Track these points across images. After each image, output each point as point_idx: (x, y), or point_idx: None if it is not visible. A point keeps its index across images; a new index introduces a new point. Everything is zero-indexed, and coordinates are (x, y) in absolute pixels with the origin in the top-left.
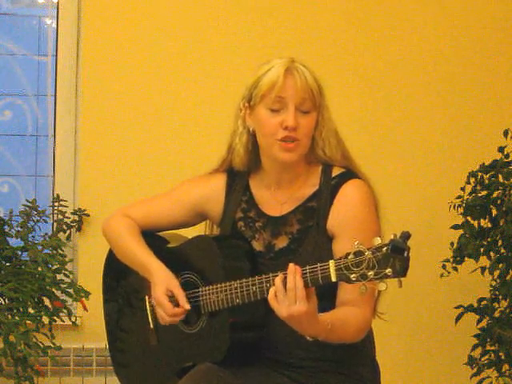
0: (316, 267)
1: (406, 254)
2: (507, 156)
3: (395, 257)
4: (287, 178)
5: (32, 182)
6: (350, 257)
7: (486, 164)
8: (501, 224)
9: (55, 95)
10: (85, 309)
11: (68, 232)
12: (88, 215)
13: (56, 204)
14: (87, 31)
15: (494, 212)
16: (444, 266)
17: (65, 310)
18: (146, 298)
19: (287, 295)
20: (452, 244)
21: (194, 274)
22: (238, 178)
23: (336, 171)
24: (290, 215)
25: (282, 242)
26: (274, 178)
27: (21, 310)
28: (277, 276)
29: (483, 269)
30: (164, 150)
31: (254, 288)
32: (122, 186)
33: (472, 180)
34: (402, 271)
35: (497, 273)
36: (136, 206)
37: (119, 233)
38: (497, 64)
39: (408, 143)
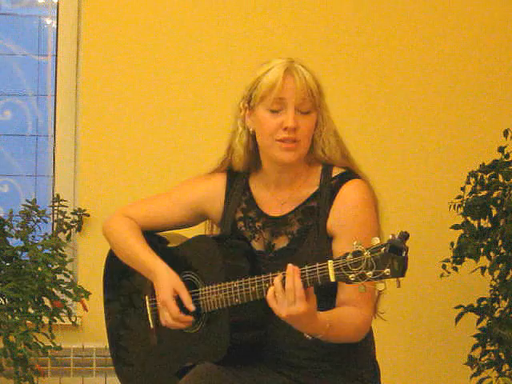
0: (315, 267)
1: (404, 254)
2: (507, 156)
3: (393, 257)
4: (287, 179)
5: (32, 182)
6: (348, 257)
7: (486, 164)
8: (501, 224)
9: (55, 95)
10: (85, 309)
11: (68, 232)
12: (88, 215)
13: (56, 204)
14: (87, 31)
15: (494, 212)
16: (444, 266)
17: (65, 310)
18: (147, 297)
19: (286, 295)
20: (452, 244)
21: (193, 274)
22: (237, 178)
23: (336, 171)
24: (290, 215)
25: (281, 242)
26: (274, 178)
27: (21, 310)
28: (276, 276)
29: (483, 269)
30: (164, 150)
31: (254, 288)
32: (121, 186)
33: (472, 180)
34: (400, 271)
35: (497, 273)
36: (136, 206)
37: (120, 233)
38: (497, 64)
39: (408, 143)
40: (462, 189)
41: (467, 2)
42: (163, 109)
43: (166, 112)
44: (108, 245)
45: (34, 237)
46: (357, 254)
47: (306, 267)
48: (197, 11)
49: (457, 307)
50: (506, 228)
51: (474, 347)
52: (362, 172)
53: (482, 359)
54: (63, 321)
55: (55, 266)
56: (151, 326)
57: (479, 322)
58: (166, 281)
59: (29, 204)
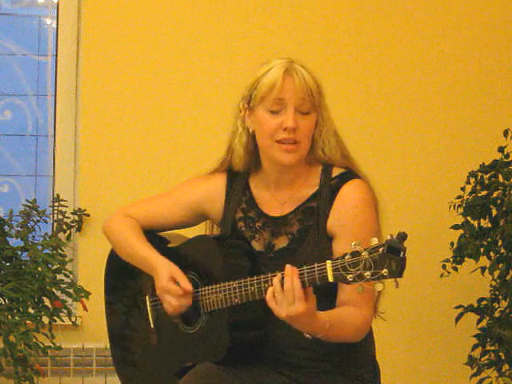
0: (313, 267)
1: (402, 255)
2: (507, 156)
3: (391, 257)
4: (287, 179)
5: (32, 182)
6: (346, 257)
7: (486, 164)
8: (501, 224)
9: (55, 95)
10: (85, 309)
11: (68, 232)
12: (88, 215)
13: (56, 204)
14: (87, 31)
15: (494, 212)
16: (444, 266)
17: (65, 310)
18: (147, 297)
19: (285, 296)
20: (452, 244)
21: (193, 274)
22: (238, 178)
23: (336, 171)
24: (290, 215)
25: (282, 242)
26: (274, 179)
27: (21, 310)
28: (275, 276)
29: (483, 269)
30: (164, 149)
31: (253, 288)
32: (121, 186)
33: (472, 180)
34: (398, 272)
35: (497, 273)
36: (136, 206)
37: (121, 232)
38: (497, 64)
39: (408, 143)
40: (462, 189)
41: (467, 2)
42: (163, 109)
43: (166, 112)
44: (108, 244)
45: (34, 237)
46: (355, 254)
47: (305, 267)
48: (197, 11)
49: (457, 307)
50: (506, 228)
51: (474, 347)
52: (362, 172)
53: (482, 359)
54: (63, 321)
55: (55, 266)
56: (151, 325)
57: (479, 322)
58: (162, 268)
59: (29, 204)
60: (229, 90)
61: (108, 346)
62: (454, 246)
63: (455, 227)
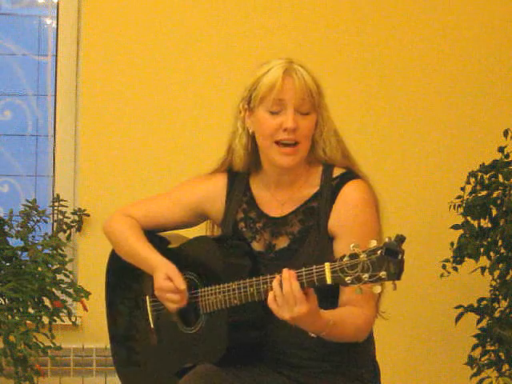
0: (312, 269)
1: (400, 257)
2: (507, 156)
3: (389, 260)
4: (287, 179)
5: (32, 182)
6: (344, 259)
7: (486, 164)
8: (501, 224)
9: (55, 95)
10: (85, 309)
11: (68, 232)
12: (88, 215)
13: (56, 204)
14: (87, 31)
15: (494, 212)
16: (444, 266)
17: (65, 310)
18: (147, 297)
19: (286, 299)
20: (452, 244)
21: (193, 275)
22: (238, 179)
23: (337, 171)
24: (290, 215)
25: (282, 243)
26: (274, 179)
27: (21, 310)
28: (274, 278)
29: (483, 269)
30: (164, 150)
31: (252, 289)
32: (121, 186)
33: (472, 180)
34: (396, 274)
35: (497, 273)
36: (136, 206)
37: (121, 232)
38: (497, 64)
39: (408, 143)
40: (462, 189)
41: (467, 2)
42: (163, 109)
43: (166, 112)
44: (108, 244)
45: (34, 237)
46: (353, 256)
47: (303, 269)
48: (197, 11)
49: (457, 307)
50: (506, 228)
51: (474, 347)
52: (363, 172)
53: (482, 359)
54: (63, 321)
55: (55, 266)
56: (151, 325)
57: (479, 322)
58: (160, 268)
59: (29, 204)
60: (229, 89)
61: (108, 346)
62: (454, 246)
63: (455, 227)
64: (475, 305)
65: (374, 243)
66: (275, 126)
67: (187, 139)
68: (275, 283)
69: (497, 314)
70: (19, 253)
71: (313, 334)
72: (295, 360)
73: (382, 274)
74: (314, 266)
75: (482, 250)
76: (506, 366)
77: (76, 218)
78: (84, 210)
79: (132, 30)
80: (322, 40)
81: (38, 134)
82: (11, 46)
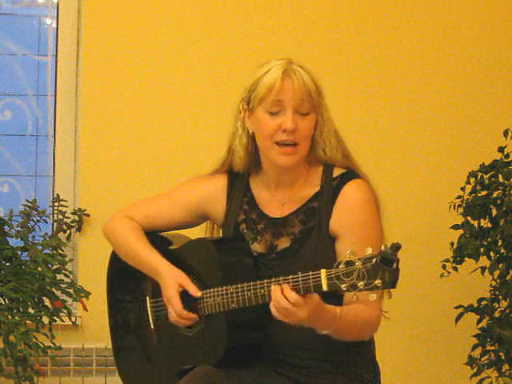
0: (308, 276)
1: (394, 266)
2: (507, 156)
3: (384, 268)
4: (287, 179)
5: (32, 182)
6: (340, 266)
7: (486, 164)
8: (501, 224)
9: (55, 95)
10: (85, 309)
11: (68, 232)
12: (88, 215)
13: (56, 204)
14: (87, 31)
15: (494, 212)
16: (444, 266)
17: (65, 310)
18: (147, 298)
19: (286, 310)
20: (452, 244)
21: (193, 277)
22: (238, 179)
23: (337, 171)
24: (291, 216)
25: (283, 243)
26: (274, 179)
27: (21, 310)
28: (271, 282)
29: (483, 269)
30: (164, 150)
31: (249, 293)
32: (121, 186)
33: (472, 180)
34: (391, 283)
35: (497, 273)
36: (136, 207)
37: (122, 233)
38: (497, 64)
39: (408, 143)
40: (462, 189)
41: (467, 2)
42: (163, 109)
43: (166, 112)
44: (108, 245)
45: (33, 237)
46: (349, 263)
47: (300, 275)
48: (197, 11)
49: (457, 307)
50: (506, 228)
51: (474, 347)
52: (363, 172)
53: (482, 359)
54: (63, 321)
55: (55, 266)
56: (151, 326)
57: (479, 322)
58: (169, 277)
59: (29, 204)
60: (229, 90)
61: (108, 346)
62: (454, 246)
63: (455, 227)
64: (475, 305)
65: (369, 251)
66: (274, 126)
67: (187, 139)
68: (274, 293)
69: (497, 314)
70: (19, 253)
71: (324, 331)
72: (295, 360)
73: (378, 282)
74: (311, 273)
75: (482, 250)
76: (506, 366)
77: (76, 217)
78: (84, 210)
79: (132, 30)
80: (322, 40)
81: (38, 134)
82: (11, 45)
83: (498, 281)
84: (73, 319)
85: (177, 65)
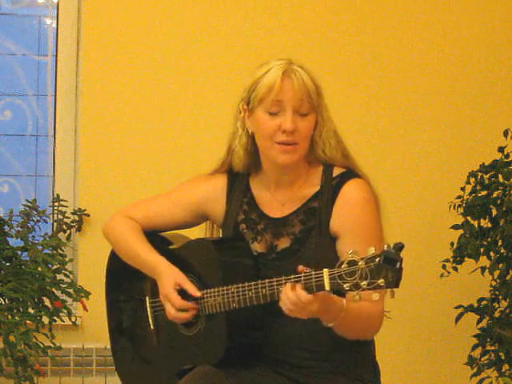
0: (310, 275)
1: (398, 266)
2: (507, 156)
3: (387, 268)
4: (287, 179)
5: (32, 182)
6: (343, 266)
7: (486, 164)
8: (501, 224)
9: (55, 95)
10: (85, 309)
11: (68, 232)
12: (88, 215)
13: (56, 204)
14: (87, 31)
15: (494, 212)
16: (444, 266)
17: (65, 310)
18: (147, 298)
19: (297, 306)
20: (452, 244)
21: (193, 277)
22: (238, 179)
23: (337, 171)
24: (291, 216)
25: (284, 243)
26: (274, 179)
27: (21, 310)
28: (272, 282)
29: (483, 269)
30: (164, 150)
31: (250, 293)
32: (121, 186)
33: (472, 180)
34: (394, 282)
35: (497, 273)
36: (136, 207)
37: (121, 233)
38: (497, 64)
39: (408, 143)
40: (462, 189)
41: (467, 2)
42: (163, 109)
43: (166, 112)
44: (108, 245)
45: (33, 237)
46: (351, 263)
47: (303, 274)
48: (197, 11)
49: (457, 307)
50: (506, 228)
51: (474, 347)
52: (363, 171)
53: (482, 359)
54: (63, 321)
55: (55, 266)
56: (151, 326)
57: (479, 322)
58: (167, 276)
59: (29, 204)
60: (229, 90)
61: (108, 346)
62: (454, 246)
63: (455, 227)
64: (475, 305)
65: (372, 250)
66: (274, 127)
67: (187, 139)
68: (285, 294)
69: (497, 314)
70: (19, 253)
71: (330, 323)
72: (295, 360)
73: (381, 281)
74: (313, 272)
75: (482, 250)
76: (506, 366)
77: (76, 217)
78: (84, 210)
79: (132, 30)
80: (322, 40)
81: (38, 134)
82: (11, 45)
83: (498, 281)
84: (73, 319)
85: (177, 65)
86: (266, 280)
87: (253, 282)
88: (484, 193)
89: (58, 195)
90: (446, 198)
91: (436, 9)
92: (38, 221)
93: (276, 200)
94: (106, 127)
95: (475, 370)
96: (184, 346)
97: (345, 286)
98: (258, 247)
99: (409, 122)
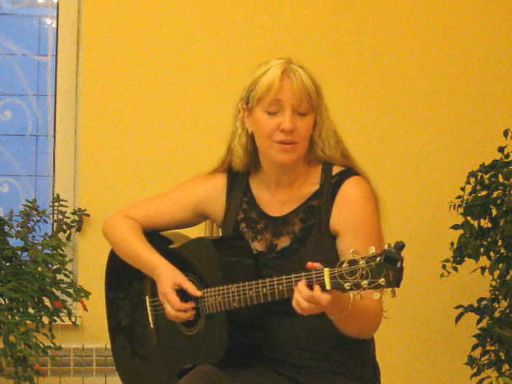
0: (311, 274)
1: (399, 265)
2: (507, 156)
3: (388, 267)
4: (287, 179)
5: (32, 182)
6: (344, 265)
7: (486, 164)
8: (501, 224)
9: (55, 95)
10: (85, 309)
11: (68, 232)
12: (88, 215)
13: (56, 204)
14: (87, 31)
15: (494, 212)
16: (444, 266)
17: (65, 310)
18: (147, 298)
19: (310, 303)
20: (452, 244)
21: (193, 276)
22: (238, 179)
23: (336, 169)
24: (291, 215)
25: (284, 242)
26: (274, 179)
27: (21, 310)
28: (273, 281)
29: (483, 269)
30: (164, 150)
31: (251, 292)
32: (121, 186)
33: (472, 180)
34: (394, 282)
35: (497, 273)
36: (136, 207)
37: (121, 232)
38: (497, 64)
39: (408, 143)
40: (462, 189)
41: (467, 1)
42: (163, 109)
43: (166, 112)
44: (108, 245)
45: (34, 237)
46: (352, 262)
47: (303, 274)
48: (197, 11)
49: (457, 307)
50: (506, 228)
51: (474, 347)
52: (362, 170)
53: (482, 359)
54: (63, 321)
55: (55, 266)
56: (151, 326)
57: (479, 322)
58: (166, 276)
59: (29, 204)
60: (229, 89)
61: (108, 346)
62: (454, 246)
63: (455, 227)
64: (475, 305)
65: (372, 249)
66: (273, 126)
67: (187, 139)
68: (299, 294)
69: (497, 314)
70: (19, 253)
71: (338, 316)
72: (295, 360)
73: (382, 281)
74: (314, 271)
75: (481, 250)
76: (506, 366)
77: (76, 217)
78: (84, 210)
79: (132, 30)
80: (322, 40)
81: (38, 134)
82: (11, 45)
83: (498, 281)
84: (73, 319)
85: (177, 65)
86: (267, 279)
87: (253, 282)
88: (484, 193)
89: (57, 195)
90: (446, 198)
91: (436, 9)
92: (37, 221)
93: (276, 199)
94: (106, 127)
95: (475, 370)
96: (184, 346)
97: (345, 285)
98: (257, 246)
99: (409, 122)
